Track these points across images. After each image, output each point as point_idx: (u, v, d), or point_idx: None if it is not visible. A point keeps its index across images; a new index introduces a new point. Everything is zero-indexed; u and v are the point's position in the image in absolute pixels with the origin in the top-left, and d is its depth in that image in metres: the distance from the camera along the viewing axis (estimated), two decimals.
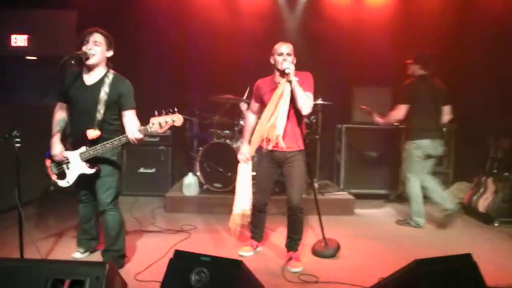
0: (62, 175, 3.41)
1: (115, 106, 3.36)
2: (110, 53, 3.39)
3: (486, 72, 6.12)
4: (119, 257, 3.54)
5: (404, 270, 2.40)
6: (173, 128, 3.21)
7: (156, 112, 3.12)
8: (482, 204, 5.35)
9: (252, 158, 3.97)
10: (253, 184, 3.97)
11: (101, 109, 3.29)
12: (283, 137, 3.58)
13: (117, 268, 3.12)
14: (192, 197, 5.60)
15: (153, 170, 6.34)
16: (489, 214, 5.22)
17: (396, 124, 5.43)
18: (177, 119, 3.11)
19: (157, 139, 6.35)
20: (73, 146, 3.35)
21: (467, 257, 2.41)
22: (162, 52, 6.59)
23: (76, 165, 3.34)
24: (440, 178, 6.57)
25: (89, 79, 3.35)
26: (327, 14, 6.81)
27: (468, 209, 5.64)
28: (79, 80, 3.36)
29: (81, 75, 3.37)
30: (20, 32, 6.84)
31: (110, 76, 3.36)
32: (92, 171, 3.33)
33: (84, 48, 3.25)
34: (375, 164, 6.48)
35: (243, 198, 3.85)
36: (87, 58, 3.26)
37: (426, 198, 5.08)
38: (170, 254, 3.73)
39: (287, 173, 3.74)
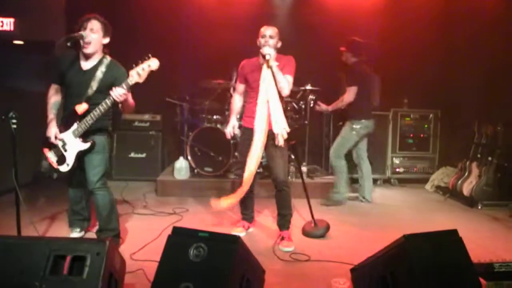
0: (61, 160, 3.43)
1: (107, 90, 3.28)
2: (106, 40, 3.42)
3: (471, 60, 6.25)
4: (114, 237, 3.58)
5: (393, 245, 2.51)
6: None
7: (133, 65, 3.17)
8: (466, 188, 5.51)
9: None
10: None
11: (94, 85, 3.32)
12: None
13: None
14: (183, 181, 5.66)
15: (143, 155, 6.38)
16: (473, 197, 5.39)
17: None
18: (153, 63, 3.16)
19: (147, 124, 6.41)
20: (66, 127, 3.38)
21: (453, 233, 2.53)
22: (152, 38, 6.55)
23: (72, 144, 3.37)
24: (426, 163, 6.76)
25: (86, 64, 3.40)
26: (318, 1, 6.86)
27: (453, 192, 5.80)
28: (76, 64, 3.41)
29: (78, 60, 3.41)
30: (6, 15, 6.75)
31: (107, 60, 3.42)
32: (87, 145, 3.36)
33: (85, 35, 3.28)
34: None
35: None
36: (87, 43, 3.29)
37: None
38: (164, 235, 3.85)
39: (270, 152, 3.84)
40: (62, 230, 4.01)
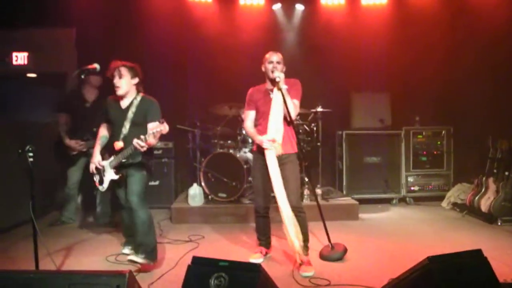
0: (101, 182, 3.96)
1: (143, 122, 3.78)
2: (135, 80, 3.85)
3: (481, 75, 6.22)
4: (152, 251, 3.79)
5: (417, 267, 2.46)
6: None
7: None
8: (484, 204, 5.42)
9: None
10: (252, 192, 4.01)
11: (127, 125, 3.80)
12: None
13: (150, 263, 3.73)
14: (198, 208, 5.63)
15: (156, 183, 6.35)
16: (491, 213, 5.29)
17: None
18: (163, 128, 3.40)
19: (160, 151, 6.41)
20: (108, 157, 3.92)
21: (478, 253, 2.48)
22: (162, 66, 6.65)
23: (108, 172, 3.88)
24: (441, 180, 6.69)
25: (123, 103, 3.89)
26: (324, 22, 6.94)
27: (470, 209, 5.71)
28: (117, 105, 3.91)
29: (119, 101, 3.90)
30: (20, 50, 6.92)
31: (139, 98, 3.87)
32: (116, 177, 3.84)
33: (115, 81, 3.76)
34: (376, 169, 6.57)
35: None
36: (117, 87, 3.77)
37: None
38: (181, 264, 3.85)
39: (282, 175, 3.80)
40: (79, 261, 4.01)
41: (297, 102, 3.83)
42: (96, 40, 6.38)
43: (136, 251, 3.80)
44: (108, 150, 3.98)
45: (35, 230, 3.13)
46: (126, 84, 3.79)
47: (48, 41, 6.95)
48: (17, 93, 6.97)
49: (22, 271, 2.57)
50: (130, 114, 3.80)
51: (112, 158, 3.83)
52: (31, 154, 3.10)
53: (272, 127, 3.74)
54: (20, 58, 6.88)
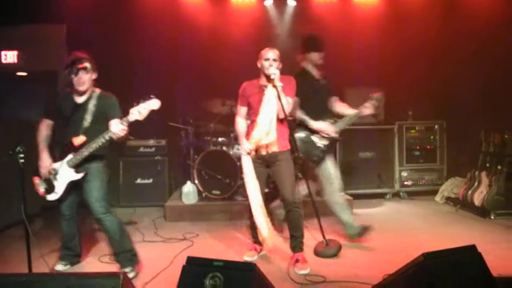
0: (50, 189, 3.55)
1: (103, 120, 3.49)
2: (95, 76, 3.58)
3: (474, 69, 6.25)
4: (133, 256, 3.69)
5: (412, 264, 2.46)
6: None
7: (134, 103, 3.23)
8: (477, 198, 5.45)
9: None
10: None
11: (87, 117, 3.49)
12: None
13: (134, 267, 3.55)
14: (192, 205, 5.62)
15: (150, 181, 6.34)
16: (485, 207, 5.32)
17: None
18: (154, 103, 3.20)
19: (152, 149, 6.40)
20: (60, 158, 3.52)
21: (472, 248, 2.49)
22: (152, 63, 6.59)
23: (64, 174, 3.49)
24: (434, 174, 6.71)
25: (79, 99, 3.58)
26: (315, 17, 6.90)
27: (463, 203, 5.74)
28: (70, 100, 3.58)
29: (72, 95, 3.58)
30: (9, 48, 6.85)
31: (96, 93, 3.59)
32: (80, 175, 3.48)
33: (75, 78, 3.44)
34: (370, 164, 6.59)
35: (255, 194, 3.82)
36: (82, 83, 3.48)
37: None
38: (176, 263, 3.84)
39: (276, 172, 3.85)
40: None
41: (290, 100, 3.78)
42: (87, 37, 6.31)
43: (118, 262, 3.65)
44: (59, 150, 3.59)
45: (28, 232, 3.10)
46: (89, 80, 3.52)
47: (38, 38, 6.86)
48: (8, 92, 6.89)
49: (16, 274, 2.55)
50: (91, 107, 3.51)
51: (70, 156, 3.45)
52: (21, 155, 3.06)
53: (262, 124, 3.70)
54: (9, 56, 6.81)
